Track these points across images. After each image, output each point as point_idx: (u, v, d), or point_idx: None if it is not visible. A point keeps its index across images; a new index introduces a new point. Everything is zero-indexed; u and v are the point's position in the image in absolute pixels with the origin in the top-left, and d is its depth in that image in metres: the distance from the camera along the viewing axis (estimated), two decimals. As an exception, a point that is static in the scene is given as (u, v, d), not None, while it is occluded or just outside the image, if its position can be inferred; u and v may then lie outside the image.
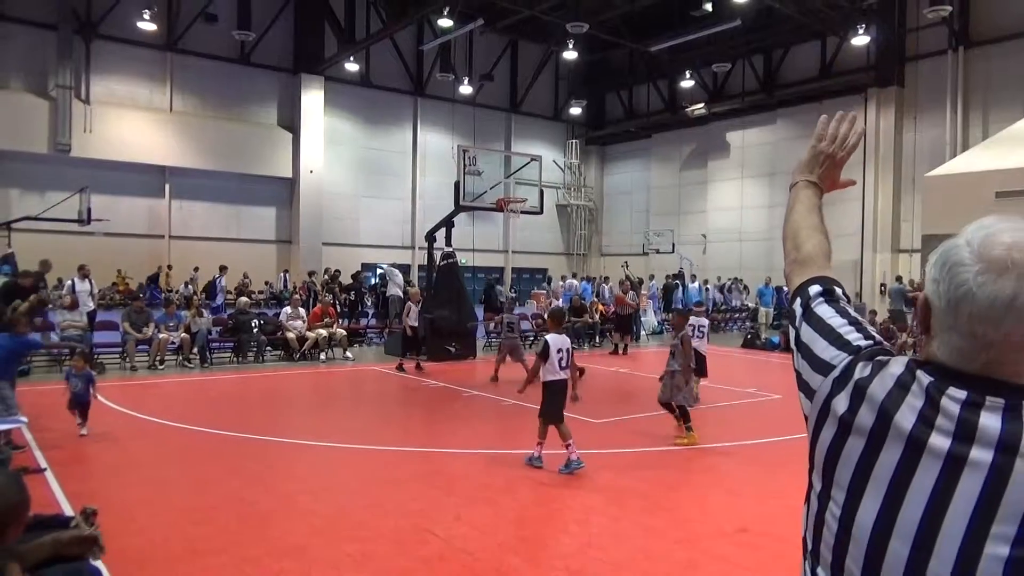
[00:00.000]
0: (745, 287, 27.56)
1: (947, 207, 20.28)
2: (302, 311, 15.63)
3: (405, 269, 27.90)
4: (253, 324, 14.71)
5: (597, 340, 19.37)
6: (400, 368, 13.26)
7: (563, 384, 6.95)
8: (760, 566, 4.89)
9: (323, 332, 14.99)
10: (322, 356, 14.89)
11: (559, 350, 6.89)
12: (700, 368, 10.32)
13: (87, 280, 14.28)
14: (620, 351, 17.05)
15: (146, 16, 23.22)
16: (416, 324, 13.41)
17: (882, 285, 23.98)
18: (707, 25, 25.97)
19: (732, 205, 31.53)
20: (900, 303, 19.70)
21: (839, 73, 27.62)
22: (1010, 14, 22.59)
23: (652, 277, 27.80)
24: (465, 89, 31.46)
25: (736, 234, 31.20)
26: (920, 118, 25.42)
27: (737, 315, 26.12)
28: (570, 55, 28.95)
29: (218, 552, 4.88)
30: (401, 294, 19.60)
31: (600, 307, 20.03)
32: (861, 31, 23.82)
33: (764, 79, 30.36)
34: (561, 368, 6.88)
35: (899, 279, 21.74)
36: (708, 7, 24.80)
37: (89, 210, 21.05)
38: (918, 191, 22.72)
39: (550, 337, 6.98)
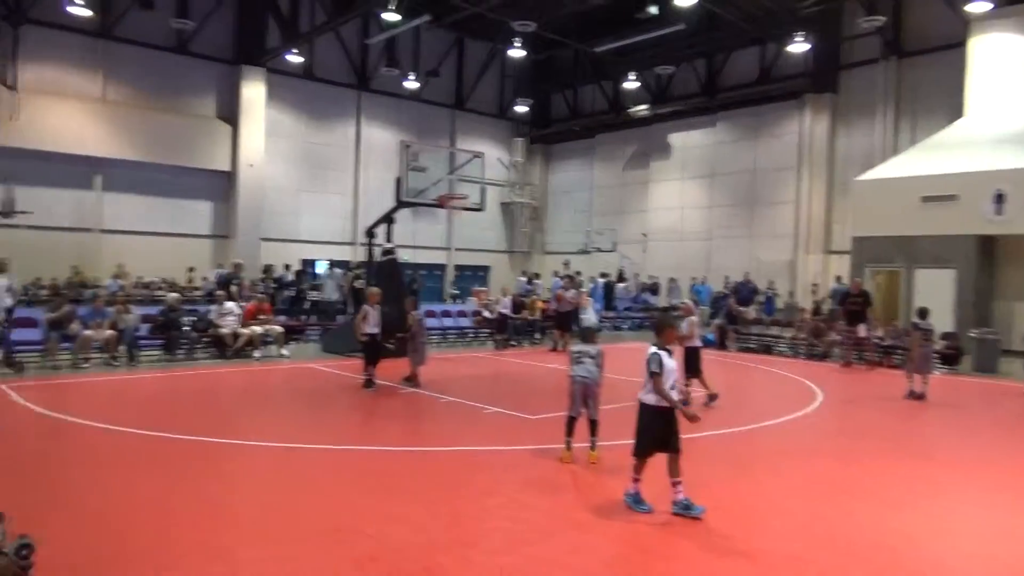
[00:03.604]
0: (677, 286, 28.01)
1: (876, 210, 21.14)
2: (231, 306, 15.17)
3: (345, 265, 27.53)
4: (184, 321, 14.30)
5: (538, 337, 19.46)
6: (368, 383, 11.38)
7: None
8: (686, 554, 4.97)
9: (258, 329, 14.68)
10: (256, 354, 14.57)
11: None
12: (697, 367, 10.30)
13: (5, 275, 13.62)
14: (559, 348, 17.15)
15: (79, 1, 22.32)
16: (376, 331, 11.51)
17: (814, 285, 24.68)
18: (652, 28, 26.35)
19: (673, 205, 32.04)
20: (839, 303, 20.28)
21: (778, 78, 28.32)
22: (939, 27, 23.50)
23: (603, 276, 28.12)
24: (410, 85, 31.21)
25: (676, 234, 31.71)
26: (853, 124, 26.26)
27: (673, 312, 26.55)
28: (516, 53, 28.98)
29: (136, 558, 4.70)
30: (339, 296, 19.33)
31: (541, 304, 20.13)
32: (799, 38, 24.45)
33: (706, 82, 30.94)
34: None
35: (838, 279, 22.39)
36: (653, 10, 25.16)
37: (12, 201, 20.15)
38: (849, 194, 23.48)
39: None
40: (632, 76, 31.02)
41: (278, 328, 15.43)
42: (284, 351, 15.07)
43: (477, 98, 35.47)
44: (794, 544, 5.16)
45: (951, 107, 22.33)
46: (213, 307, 15.17)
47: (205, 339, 14.59)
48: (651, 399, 5.73)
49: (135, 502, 5.78)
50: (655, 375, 5.66)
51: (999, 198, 17.79)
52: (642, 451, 5.79)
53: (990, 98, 20.96)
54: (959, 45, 21.84)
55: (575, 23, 28.92)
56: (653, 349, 5.77)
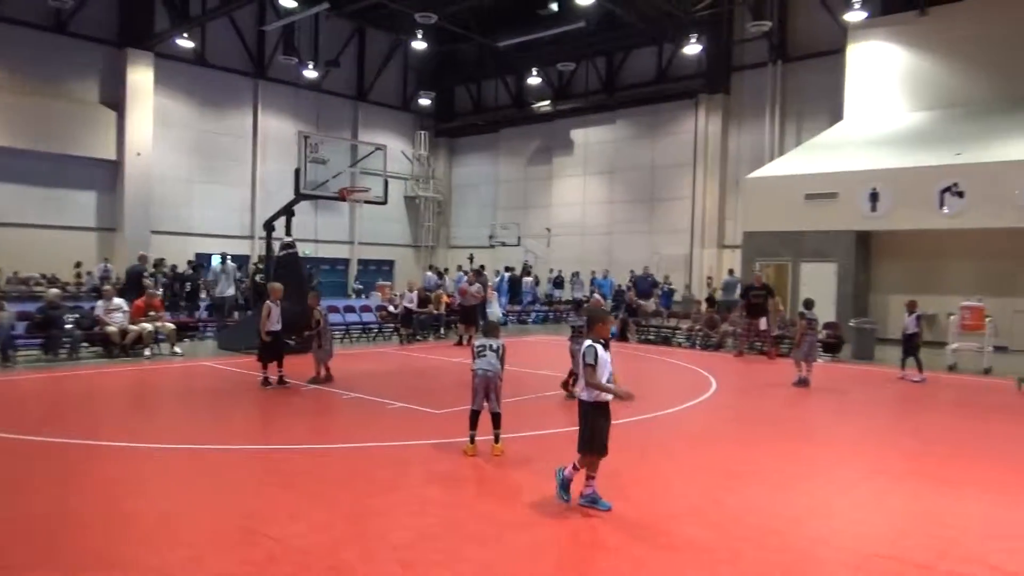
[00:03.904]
0: (580, 280, 28.63)
1: (764, 206, 22.18)
2: (120, 302, 14.40)
3: (244, 260, 26.62)
4: (67, 319, 13.44)
5: (442, 331, 19.43)
6: (266, 382, 10.98)
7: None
8: (590, 541, 5.11)
9: (148, 326, 13.99)
10: (147, 352, 13.89)
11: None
12: None
13: None
14: (464, 342, 17.18)
15: (-61, -27, 20.59)
16: (279, 328, 11.04)
17: (709, 278, 25.70)
18: (553, 24, 26.71)
19: (575, 200, 32.64)
20: (732, 294, 21.20)
21: (674, 79, 29.29)
22: (821, 33, 24.92)
23: (508, 270, 28.32)
24: (310, 74, 30.43)
25: (579, 228, 32.34)
26: (743, 124, 27.49)
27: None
28: (419, 45, 28.75)
29: (31, 568, 4.42)
30: (234, 291, 18.67)
31: (446, 298, 20.10)
32: (693, 40, 25.36)
33: (606, 80, 31.63)
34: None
35: (731, 272, 23.39)
36: (554, 7, 25.51)
37: None
38: (741, 191, 24.57)
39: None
40: (534, 72, 31.38)
41: (170, 325, 14.75)
42: (177, 349, 14.44)
43: (379, 90, 34.99)
44: (691, 528, 5.39)
45: (832, 109, 23.74)
46: (99, 303, 14.34)
47: (91, 337, 13.80)
48: (589, 395, 5.63)
49: (20, 511, 5.42)
50: (589, 367, 5.54)
51: (874, 196, 19.05)
52: (602, 448, 5.63)
53: (866, 102, 22.40)
54: (839, 51, 23.23)
55: (477, 17, 28.95)
56: (588, 342, 5.68)
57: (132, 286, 16.24)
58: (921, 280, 19.25)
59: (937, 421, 9.96)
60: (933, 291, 18.43)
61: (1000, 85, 20.25)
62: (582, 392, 5.72)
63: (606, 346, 5.70)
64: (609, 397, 5.67)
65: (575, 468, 5.75)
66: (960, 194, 17.79)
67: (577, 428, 5.75)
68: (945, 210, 18.01)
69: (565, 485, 5.79)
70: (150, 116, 26.76)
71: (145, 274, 17.00)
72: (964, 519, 5.73)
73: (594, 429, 5.62)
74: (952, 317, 15.38)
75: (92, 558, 4.63)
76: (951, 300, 16.75)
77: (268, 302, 11.11)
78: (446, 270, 29.04)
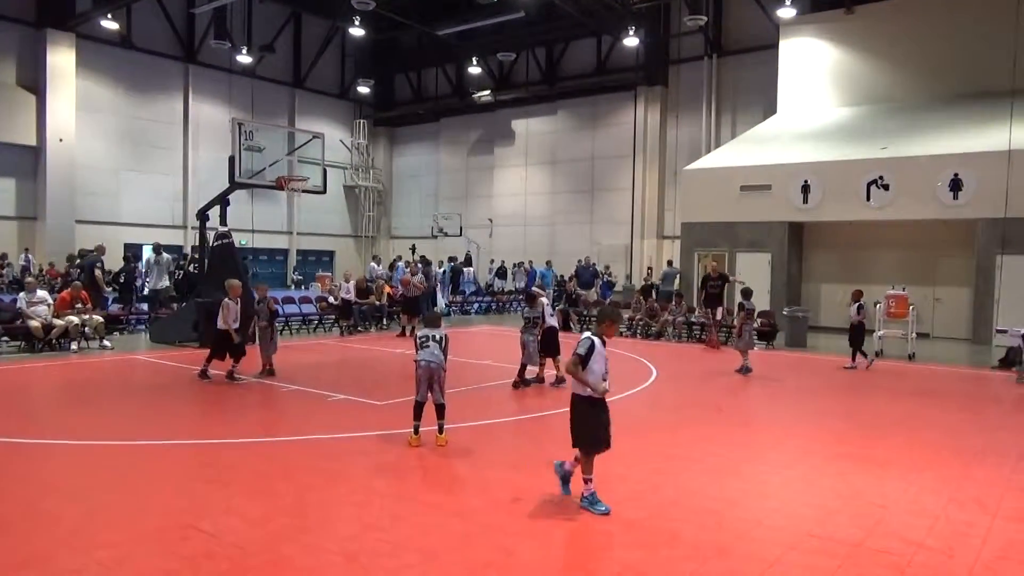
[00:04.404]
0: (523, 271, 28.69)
1: (701, 198, 22.60)
2: (43, 294, 13.78)
3: (176, 250, 25.82)
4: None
5: (385, 322, 19.25)
6: (204, 375, 10.78)
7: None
8: (531, 527, 5.13)
9: (75, 319, 13.43)
10: (73, 346, 13.34)
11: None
12: (556, 347, 10.70)
13: None
14: (407, 333, 17.05)
15: None
16: (237, 326, 10.77)
17: (648, 268, 26.10)
18: (493, 14, 26.61)
19: (517, 191, 32.68)
20: (671, 285, 21.56)
21: (613, 70, 29.56)
22: (755, 28, 25.49)
23: (451, 260, 28.15)
24: (243, 59, 29.61)
25: (521, 219, 32.41)
26: (681, 117, 27.95)
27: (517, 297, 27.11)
28: (357, 32, 28.28)
29: (-69, 573, 4.20)
30: (168, 283, 18.12)
31: (388, 289, 19.91)
32: (632, 32, 25.63)
33: (546, 71, 31.71)
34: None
35: (670, 263, 23.78)
36: (493, -5, 25.42)
37: None
38: (679, 183, 25.00)
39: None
40: (475, 61, 31.25)
41: (98, 318, 14.19)
42: (106, 343, 13.92)
43: (317, 77, 34.32)
44: (631, 511, 5.47)
45: (766, 103, 24.33)
46: (21, 295, 13.70)
47: (11, 331, 13.17)
48: (579, 389, 5.50)
49: (-72, 515, 5.15)
50: (577, 356, 5.40)
51: (805, 188, 19.63)
52: (595, 443, 5.46)
53: (798, 96, 23.04)
54: (772, 47, 23.79)
55: (416, 4, 28.63)
56: (587, 334, 5.57)
57: (88, 279, 15.53)
58: (850, 270, 19.95)
59: (865, 405, 10.35)
60: (862, 280, 19.12)
61: (922, 82, 21.08)
62: (577, 386, 5.56)
63: (603, 343, 5.56)
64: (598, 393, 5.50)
65: (576, 461, 5.57)
66: (886, 187, 18.48)
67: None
68: (872, 202, 18.69)
69: (566, 479, 5.68)
70: (72, 100, 25.66)
71: (98, 265, 16.26)
72: (889, 497, 5.97)
73: (584, 423, 5.50)
74: (878, 305, 15.99)
75: (2, 560, 4.40)
76: (878, 289, 17.41)
77: (227, 300, 10.80)
78: (394, 261, 28.61)
